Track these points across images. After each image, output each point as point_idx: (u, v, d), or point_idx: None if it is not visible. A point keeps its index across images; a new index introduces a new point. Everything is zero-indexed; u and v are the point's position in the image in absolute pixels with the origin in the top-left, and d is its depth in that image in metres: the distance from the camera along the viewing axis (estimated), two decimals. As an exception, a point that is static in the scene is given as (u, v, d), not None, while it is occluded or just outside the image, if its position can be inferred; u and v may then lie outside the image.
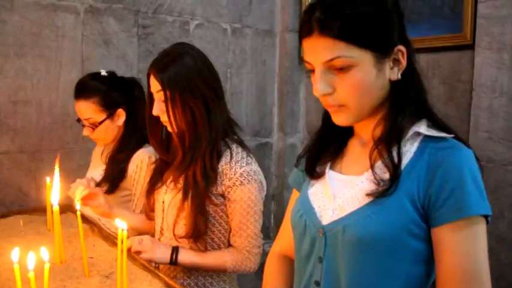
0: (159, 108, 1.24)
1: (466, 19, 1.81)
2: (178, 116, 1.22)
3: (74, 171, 1.85)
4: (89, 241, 1.37)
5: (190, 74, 1.21)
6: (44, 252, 0.86)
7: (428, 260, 0.80)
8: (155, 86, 1.22)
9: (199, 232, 1.23)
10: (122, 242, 0.94)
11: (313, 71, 0.83)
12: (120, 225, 0.93)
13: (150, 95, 1.27)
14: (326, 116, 0.92)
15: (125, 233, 0.93)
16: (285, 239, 1.04)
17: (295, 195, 1.04)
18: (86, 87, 1.53)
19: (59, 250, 1.18)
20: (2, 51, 1.73)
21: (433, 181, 0.77)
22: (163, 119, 1.25)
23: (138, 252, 1.22)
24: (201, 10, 2.26)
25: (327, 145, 0.95)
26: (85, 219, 1.54)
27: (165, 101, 1.21)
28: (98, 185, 1.52)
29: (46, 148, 1.88)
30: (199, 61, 1.24)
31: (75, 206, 1.18)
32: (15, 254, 0.81)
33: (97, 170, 1.64)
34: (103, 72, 1.57)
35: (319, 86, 0.81)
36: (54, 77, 1.86)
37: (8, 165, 1.81)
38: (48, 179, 1.36)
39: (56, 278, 1.11)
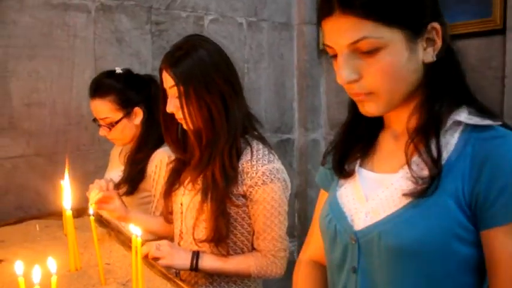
0: (173, 105, 1.17)
1: (495, 2, 1.71)
2: (193, 113, 1.15)
3: (91, 173, 1.83)
4: (106, 246, 1.32)
5: (205, 67, 1.14)
6: (52, 263, 0.80)
7: (480, 267, 0.70)
8: (168, 81, 1.16)
9: (221, 236, 1.16)
10: (136, 249, 0.88)
11: (335, 56, 0.74)
12: (134, 231, 0.87)
13: (164, 91, 1.21)
14: (352, 107, 0.83)
15: (139, 239, 0.87)
16: (315, 245, 0.95)
17: (323, 195, 0.95)
18: (101, 86, 1.49)
19: (73, 257, 1.13)
20: (13, 53, 1.71)
21: (480, 177, 0.68)
22: (178, 116, 1.18)
23: (156, 259, 1.16)
24: (215, 4, 2.20)
25: (355, 140, 0.86)
26: (102, 222, 1.50)
27: (179, 97, 1.14)
28: (116, 186, 1.48)
29: (62, 150, 1.84)
30: (215, 53, 1.17)
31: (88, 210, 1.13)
32: (19, 266, 0.75)
33: (115, 171, 1.60)
34: (118, 70, 1.53)
35: (343, 72, 0.71)
36: (67, 77, 1.82)
37: (25, 169, 1.78)
38: (62, 182, 1.31)
39: (70, 286, 1.06)
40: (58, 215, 1.49)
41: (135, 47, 1.97)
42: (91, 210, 1.11)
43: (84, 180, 1.46)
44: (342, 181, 0.86)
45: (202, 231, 1.19)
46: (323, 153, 0.94)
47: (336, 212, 0.82)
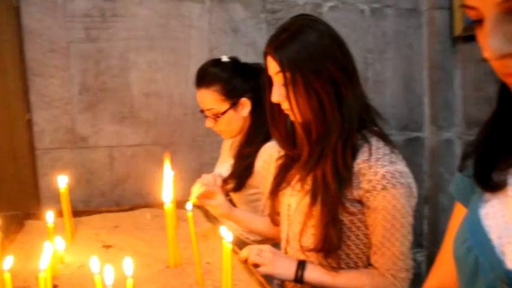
0: (278, 94, 1.03)
1: None
2: (301, 102, 1.01)
3: (206, 165, 1.83)
4: (209, 243, 1.27)
5: (314, 51, 0.99)
6: (128, 264, 0.73)
7: None
8: (273, 67, 1.03)
9: (331, 245, 1.00)
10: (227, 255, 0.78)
11: (480, 22, 0.53)
12: (226, 236, 0.76)
13: (269, 78, 1.08)
14: (504, 94, 0.61)
15: (229, 246, 0.76)
16: (446, 273, 0.74)
17: (459, 211, 0.72)
18: (207, 75, 1.43)
19: (172, 253, 1.08)
20: (133, 44, 1.77)
21: None
22: (285, 106, 1.05)
23: (257, 265, 1.05)
24: (335, -10, 2.05)
25: (506, 141, 0.63)
26: (209, 217, 1.45)
27: (285, 85, 1.01)
28: (224, 181, 1.41)
29: (179, 140, 1.87)
30: (326, 36, 1.01)
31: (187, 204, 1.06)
32: (94, 263, 0.69)
33: (225, 164, 1.54)
34: (224, 58, 1.45)
35: (494, 41, 0.50)
36: (183, 68, 1.85)
37: (143, 157, 1.85)
38: (172, 173, 1.28)
39: (166, 283, 1.01)
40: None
41: (250, 37, 1.92)
42: (189, 205, 1.04)
43: (200, 171, 1.43)
44: (487, 195, 0.63)
45: (311, 239, 1.05)
46: (460, 155, 0.72)
47: (479, 239, 0.60)
